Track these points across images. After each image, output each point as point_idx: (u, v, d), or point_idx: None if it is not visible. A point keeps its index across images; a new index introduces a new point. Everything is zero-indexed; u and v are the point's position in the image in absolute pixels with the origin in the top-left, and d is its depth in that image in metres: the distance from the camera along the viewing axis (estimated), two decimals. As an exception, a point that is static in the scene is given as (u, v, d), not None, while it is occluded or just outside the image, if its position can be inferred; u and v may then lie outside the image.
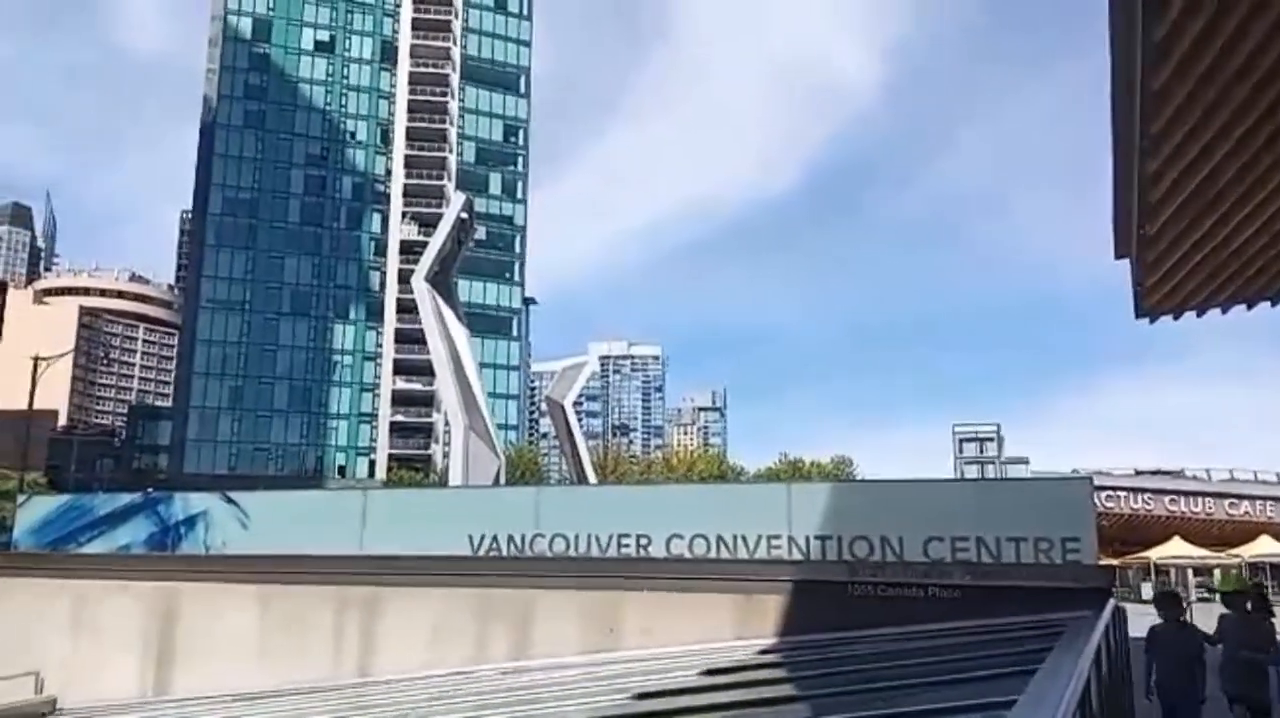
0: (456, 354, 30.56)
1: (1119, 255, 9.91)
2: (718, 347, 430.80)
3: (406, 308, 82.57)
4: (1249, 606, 10.98)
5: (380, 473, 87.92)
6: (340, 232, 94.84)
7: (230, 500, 16.06)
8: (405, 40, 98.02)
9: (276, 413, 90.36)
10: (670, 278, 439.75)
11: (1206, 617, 13.49)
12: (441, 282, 31.26)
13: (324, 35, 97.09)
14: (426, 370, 77.59)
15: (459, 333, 31.41)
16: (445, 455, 74.47)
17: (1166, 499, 47.39)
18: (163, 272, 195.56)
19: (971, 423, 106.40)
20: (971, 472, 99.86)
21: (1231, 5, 5.91)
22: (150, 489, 20.22)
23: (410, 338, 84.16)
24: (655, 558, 13.32)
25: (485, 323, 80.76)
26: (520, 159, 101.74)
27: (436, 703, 10.68)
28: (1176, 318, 11.38)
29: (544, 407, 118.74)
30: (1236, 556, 40.38)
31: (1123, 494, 46.90)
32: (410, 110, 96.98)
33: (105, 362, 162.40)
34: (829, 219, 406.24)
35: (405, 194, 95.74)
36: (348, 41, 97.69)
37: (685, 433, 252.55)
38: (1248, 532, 43.35)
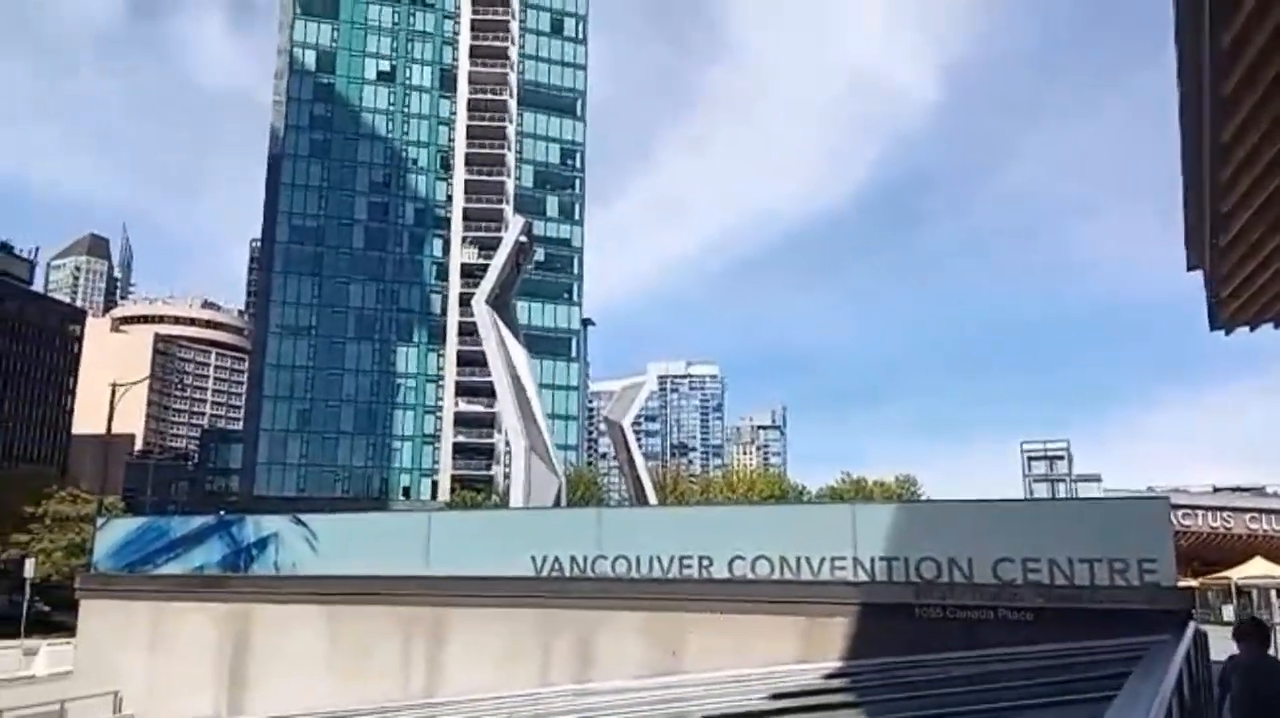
0: (517, 375, 30.79)
1: (1191, 267, 9.66)
2: (776, 364, 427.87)
3: (467, 330, 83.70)
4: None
5: (443, 494, 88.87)
6: (403, 256, 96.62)
7: (300, 522, 16.40)
8: (464, 68, 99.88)
9: (343, 435, 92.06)
10: (728, 296, 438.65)
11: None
12: (501, 304, 31.56)
13: (385, 65, 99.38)
14: (488, 392, 78.48)
15: (519, 354, 31.66)
16: (506, 476, 75.04)
17: (1247, 517, 45.56)
18: (234, 298, 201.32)
19: (1040, 440, 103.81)
20: (1041, 490, 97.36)
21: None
22: (223, 511, 20.73)
23: (471, 360, 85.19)
24: (718, 580, 13.26)
25: (544, 344, 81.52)
26: (577, 181, 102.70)
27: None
28: (1253, 329, 11.03)
29: (603, 427, 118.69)
30: (1324, 577, 38.65)
31: (1200, 512, 45.23)
32: (469, 136, 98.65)
33: (179, 387, 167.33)
34: (888, 234, 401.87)
35: (465, 218, 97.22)
36: (408, 70, 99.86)
37: (745, 452, 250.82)
38: (1335, 552, 41.47)
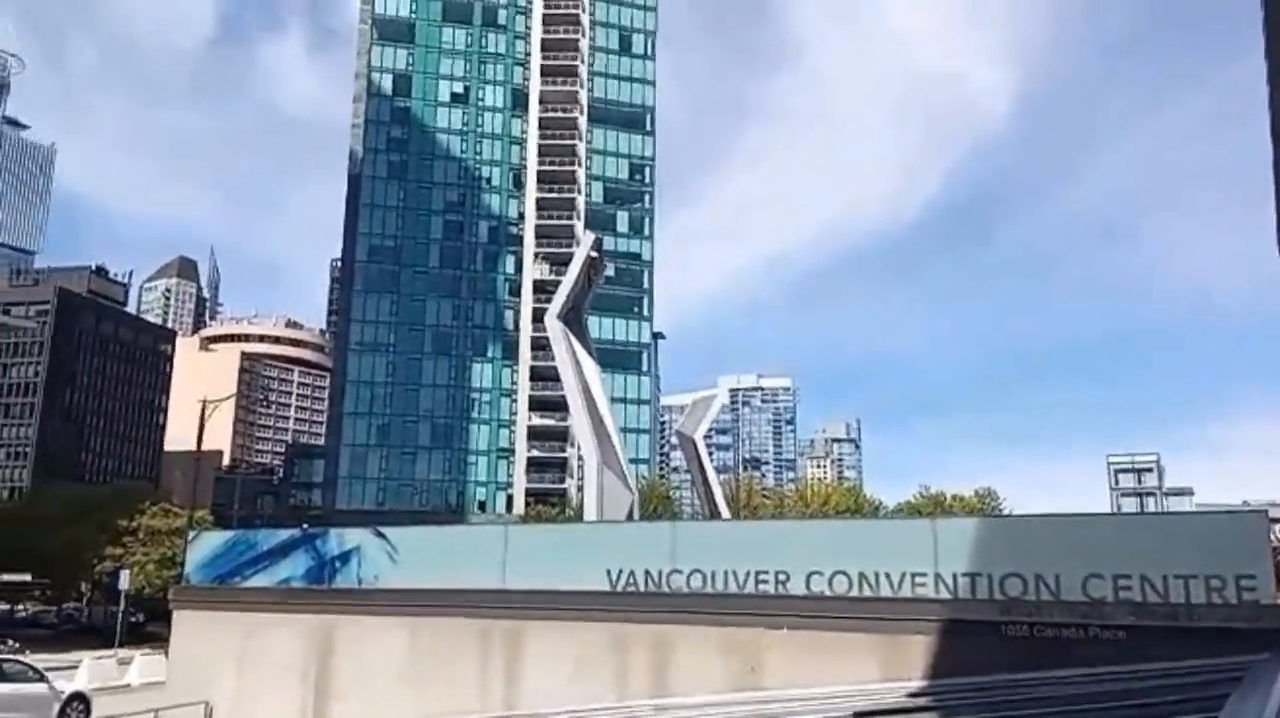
0: (589, 390, 30.89)
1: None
2: (850, 376, 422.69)
3: (540, 345, 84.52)
4: None
5: (518, 508, 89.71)
6: (477, 274, 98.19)
7: (381, 535, 16.74)
8: (535, 87, 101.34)
9: (420, 450, 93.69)
10: (800, 307, 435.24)
11: None
12: (573, 319, 31.74)
13: (459, 87, 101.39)
14: (560, 406, 79.01)
15: (591, 369, 31.77)
16: (579, 490, 75.44)
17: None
18: (315, 317, 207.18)
19: (1127, 453, 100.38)
20: (1129, 505, 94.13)
21: None
22: (306, 525, 21.27)
23: (544, 375, 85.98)
24: (795, 595, 13.10)
25: (615, 358, 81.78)
26: (647, 196, 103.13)
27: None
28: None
29: (674, 440, 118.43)
30: None
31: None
32: (541, 154, 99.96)
33: (264, 404, 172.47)
34: (964, 241, 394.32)
35: (537, 235, 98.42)
36: (481, 91, 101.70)
37: (819, 466, 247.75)
38: None
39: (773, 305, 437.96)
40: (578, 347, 31.44)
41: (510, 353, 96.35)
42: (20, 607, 71.05)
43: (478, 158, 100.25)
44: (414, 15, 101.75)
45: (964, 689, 10.82)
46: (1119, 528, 14.96)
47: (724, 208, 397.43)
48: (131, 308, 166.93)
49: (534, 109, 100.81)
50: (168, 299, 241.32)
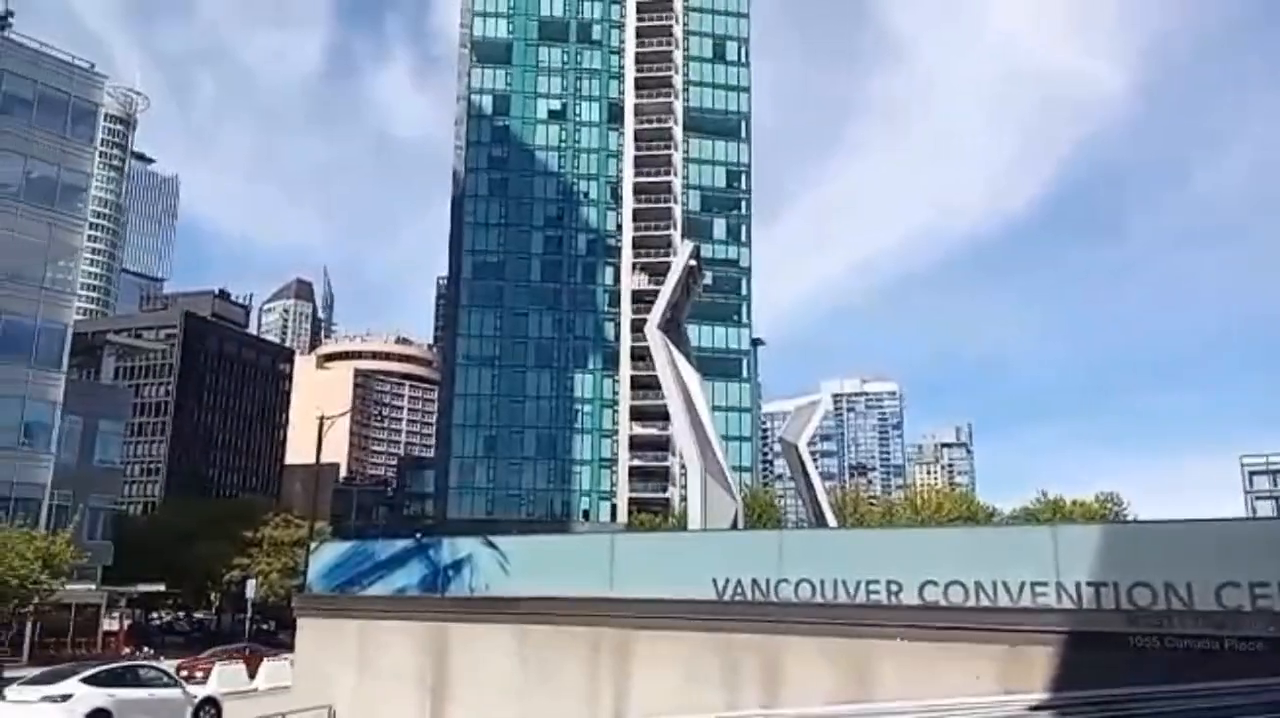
0: (690, 398, 30.86)
1: None
2: (960, 379, 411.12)
3: (640, 355, 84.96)
4: None
5: (621, 517, 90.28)
6: (577, 286, 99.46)
7: (491, 544, 17.07)
8: (630, 100, 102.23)
9: (526, 460, 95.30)
10: (904, 309, 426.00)
11: None
12: (673, 328, 31.79)
13: (556, 104, 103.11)
14: (662, 415, 79.15)
15: (691, 377, 31.74)
16: (683, 499, 75.35)
17: None
18: (424, 333, 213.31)
19: (1263, 454, 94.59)
20: (1266, 509, 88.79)
21: None
22: (420, 535, 21.86)
23: (645, 384, 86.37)
24: (908, 605, 12.78)
25: (715, 366, 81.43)
26: (743, 202, 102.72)
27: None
28: None
29: (777, 448, 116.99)
30: None
31: None
32: (637, 166, 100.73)
33: (378, 418, 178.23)
34: (1077, 237, 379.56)
35: (635, 246, 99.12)
36: (578, 107, 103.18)
37: (928, 472, 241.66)
38: None
39: (874, 309, 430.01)
40: (678, 355, 31.46)
41: (611, 363, 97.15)
42: (155, 615, 75.05)
43: (575, 172, 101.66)
44: (511, 36, 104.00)
45: (1089, 702, 10.38)
46: (1257, 533, 14.10)
47: (822, 211, 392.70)
48: (252, 329, 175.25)
49: (629, 122, 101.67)
50: (286, 319, 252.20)
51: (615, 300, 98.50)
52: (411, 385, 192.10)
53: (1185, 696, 9.64)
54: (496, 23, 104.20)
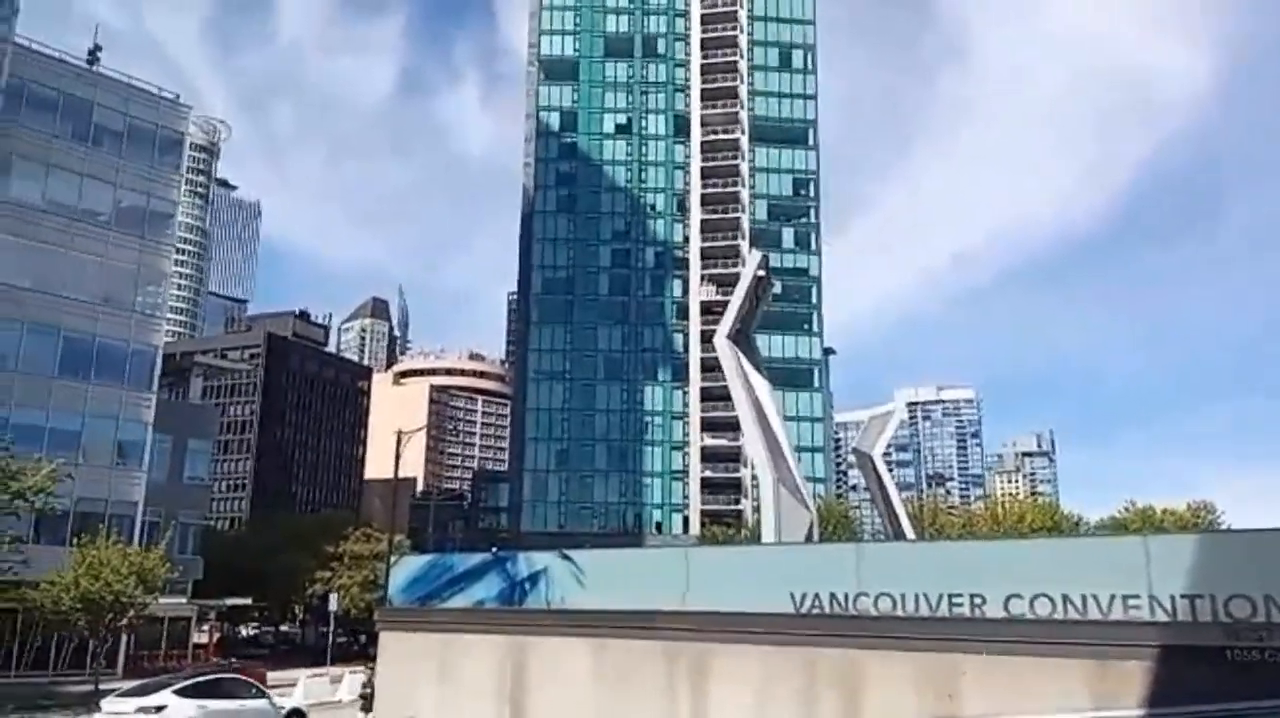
0: (761, 409, 30.69)
1: None
2: (1040, 386, 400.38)
3: (710, 366, 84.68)
4: None
5: (694, 529, 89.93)
6: (645, 299, 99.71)
7: (567, 558, 17.17)
8: (696, 112, 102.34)
9: (597, 473, 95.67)
10: (980, 316, 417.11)
11: None
12: (742, 338, 31.69)
13: (622, 118, 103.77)
14: (732, 427, 78.77)
15: (762, 387, 31.56)
16: (755, 510, 74.73)
17: None
18: (496, 348, 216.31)
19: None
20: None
21: None
22: (496, 548, 22.09)
23: (715, 395, 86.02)
24: (993, 619, 12.47)
25: (785, 376, 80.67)
26: (812, 210, 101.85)
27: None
28: None
29: (851, 458, 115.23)
30: None
31: None
32: (703, 177, 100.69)
33: (453, 433, 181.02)
34: (1159, 239, 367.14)
35: (702, 257, 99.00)
36: (644, 121, 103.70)
37: (1009, 481, 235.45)
38: None
39: (951, 314, 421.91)
40: (748, 366, 31.32)
41: (680, 375, 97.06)
42: (242, 628, 77.21)
43: (642, 186, 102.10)
44: (577, 53, 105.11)
45: (1188, 720, 9.98)
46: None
47: (893, 216, 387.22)
48: (331, 348, 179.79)
49: (695, 133, 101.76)
50: (363, 338, 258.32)
51: (684, 312, 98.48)
52: (484, 400, 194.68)
53: (1292, 714, 9.21)
54: (563, 40, 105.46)
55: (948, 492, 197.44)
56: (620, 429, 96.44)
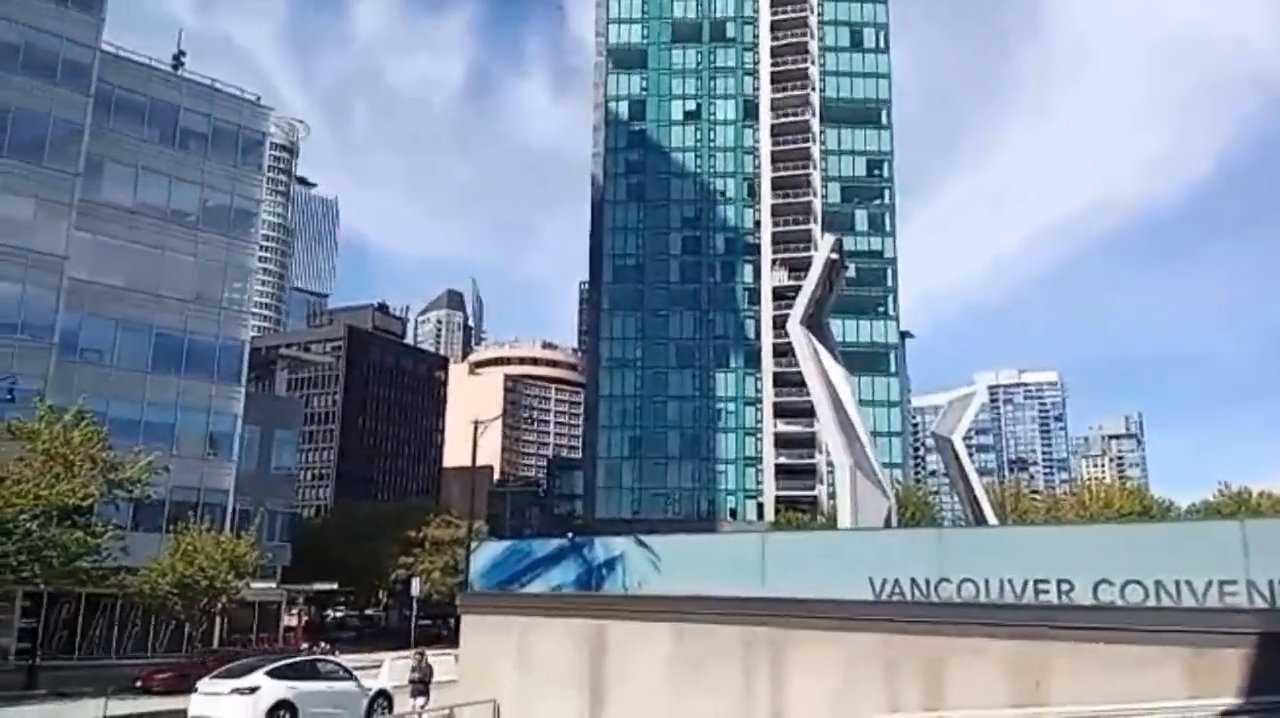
0: (836, 394, 30.34)
1: None
2: (1127, 367, 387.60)
3: (783, 352, 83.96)
4: None
5: (768, 515, 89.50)
6: (716, 285, 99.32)
7: (642, 543, 17.26)
8: (765, 95, 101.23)
9: (670, 460, 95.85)
10: (1062, 296, 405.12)
11: None
12: (816, 324, 31.32)
13: (691, 105, 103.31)
14: (806, 412, 78.00)
15: (837, 373, 31.18)
16: (831, 497, 73.99)
17: None
18: (568, 337, 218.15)
19: None
20: None
21: None
22: (572, 534, 22.37)
23: (788, 381, 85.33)
24: (1081, 606, 12.16)
25: (861, 360, 79.55)
26: (886, 191, 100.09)
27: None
28: None
29: (929, 443, 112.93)
30: None
31: None
32: (774, 161, 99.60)
33: (528, 421, 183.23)
34: (1253, 216, 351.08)
35: (774, 242, 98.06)
36: (712, 106, 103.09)
37: (1095, 465, 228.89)
38: None
39: (1032, 295, 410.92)
40: (822, 351, 30.96)
41: (753, 361, 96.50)
42: (329, 612, 79.57)
43: (712, 171, 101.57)
44: (645, 41, 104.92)
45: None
46: None
47: (971, 196, 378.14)
48: (409, 339, 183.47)
49: (765, 117, 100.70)
50: (439, 329, 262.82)
51: (755, 298, 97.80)
52: (558, 389, 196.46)
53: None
54: (630, 29, 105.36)
55: (1031, 477, 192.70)
56: (693, 416, 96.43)
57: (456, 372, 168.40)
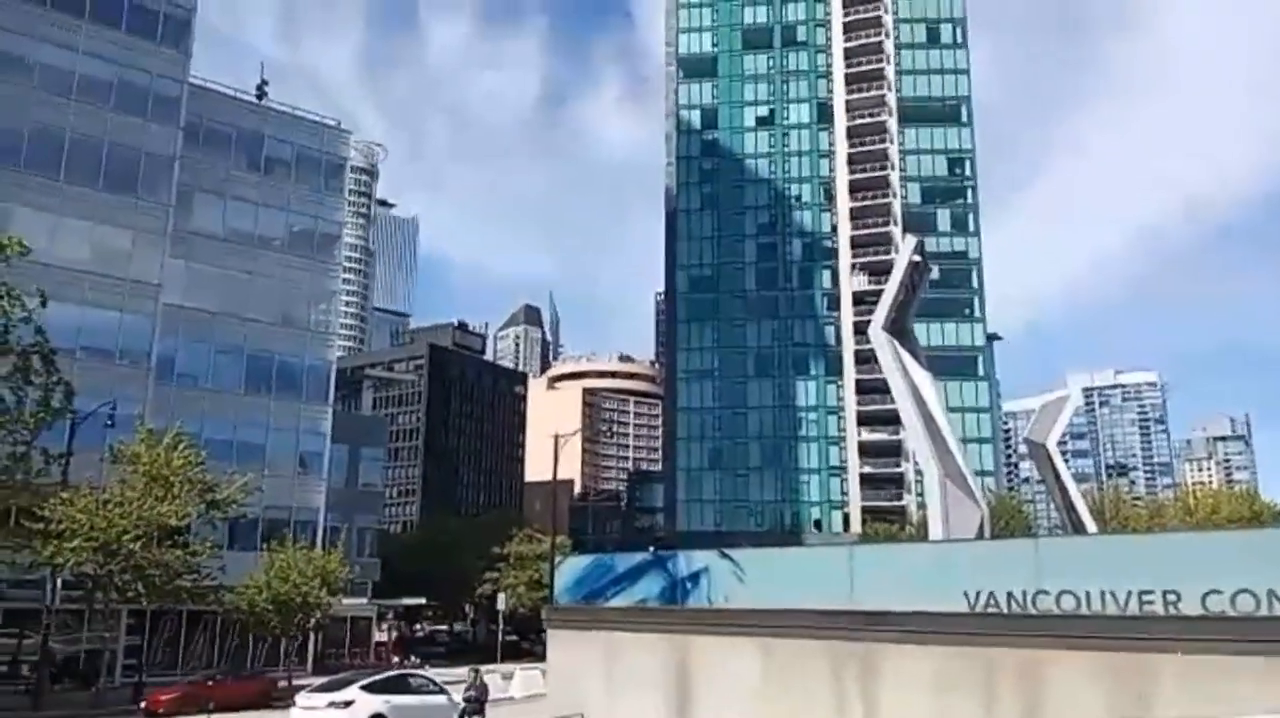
0: (922, 400, 29.62)
1: None
2: (1232, 365, 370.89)
3: (864, 359, 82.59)
4: None
5: (854, 526, 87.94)
6: (794, 292, 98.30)
7: (726, 556, 17.01)
8: (840, 97, 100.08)
9: (752, 471, 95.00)
10: (1159, 294, 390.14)
11: None
12: (899, 328, 30.68)
13: (763, 110, 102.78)
14: (891, 420, 76.51)
15: (922, 378, 30.46)
16: (920, 506, 72.30)
17: None
18: (645, 349, 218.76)
19: None
20: None
21: None
22: (654, 548, 22.24)
23: (871, 388, 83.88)
24: (1189, 617, 11.51)
25: (947, 365, 77.59)
26: (969, 190, 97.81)
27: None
28: None
29: (1021, 449, 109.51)
30: None
31: None
32: (850, 163, 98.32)
33: (607, 434, 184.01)
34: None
35: (852, 246, 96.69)
36: (785, 111, 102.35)
37: (1200, 469, 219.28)
38: None
39: (1127, 294, 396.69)
40: (906, 356, 30.28)
41: (834, 369, 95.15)
42: (417, 626, 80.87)
43: (786, 176, 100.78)
44: (715, 49, 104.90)
45: None
46: None
47: (1058, 193, 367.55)
48: (488, 355, 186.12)
49: (840, 119, 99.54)
50: (517, 345, 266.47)
51: (835, 304, 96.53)
52: (636, 401, 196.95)
53: None
54: (700, 37, 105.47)
55: (1131, 482, 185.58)
56: (773, 426, 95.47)
57: (535, 387, 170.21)
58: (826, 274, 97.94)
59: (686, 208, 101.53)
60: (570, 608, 19.49)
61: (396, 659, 55.60)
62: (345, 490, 54.19)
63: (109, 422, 34.00)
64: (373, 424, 64.87)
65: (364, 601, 53.52)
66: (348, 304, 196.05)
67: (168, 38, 47.12)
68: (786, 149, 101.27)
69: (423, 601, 65.67)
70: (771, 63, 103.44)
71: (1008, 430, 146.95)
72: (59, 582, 32.48)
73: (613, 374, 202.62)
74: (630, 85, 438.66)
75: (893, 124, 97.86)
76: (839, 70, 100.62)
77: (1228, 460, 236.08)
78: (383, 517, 77.04)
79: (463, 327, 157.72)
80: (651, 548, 21.39)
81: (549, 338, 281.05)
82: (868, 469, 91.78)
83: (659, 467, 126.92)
